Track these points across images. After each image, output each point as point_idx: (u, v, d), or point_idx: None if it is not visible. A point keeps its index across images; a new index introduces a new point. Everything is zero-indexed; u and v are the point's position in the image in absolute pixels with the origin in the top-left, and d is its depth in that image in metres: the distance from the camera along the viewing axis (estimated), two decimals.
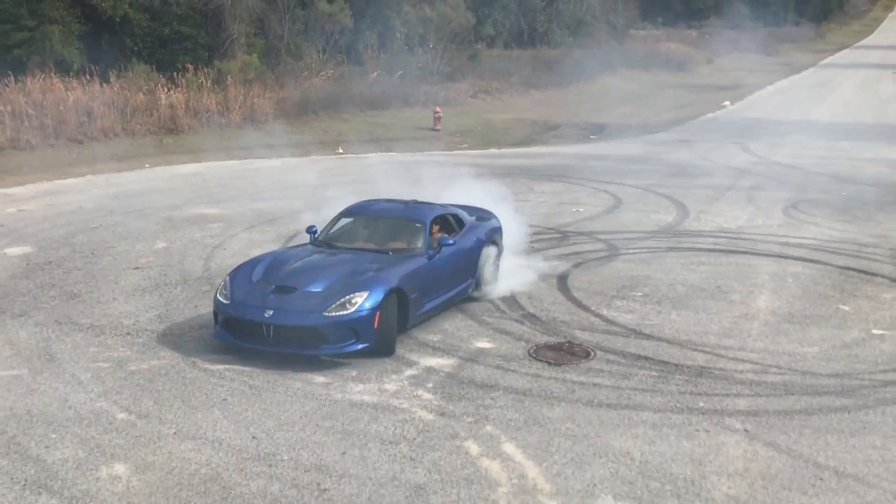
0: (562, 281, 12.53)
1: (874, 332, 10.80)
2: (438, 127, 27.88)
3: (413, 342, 10.14)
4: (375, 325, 9.41)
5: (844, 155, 24.66)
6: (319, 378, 9.12)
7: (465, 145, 25.71)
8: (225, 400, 8.58)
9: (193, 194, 18.20)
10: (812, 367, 9.62)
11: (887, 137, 28.48)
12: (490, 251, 11.83)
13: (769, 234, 15.56)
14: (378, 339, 9.51)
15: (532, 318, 11.00)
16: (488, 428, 8.10)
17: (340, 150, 24.43)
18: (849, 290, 12.45)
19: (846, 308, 11.66)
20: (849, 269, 13.45)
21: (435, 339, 10.28)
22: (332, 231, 11.60)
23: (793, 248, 14.52)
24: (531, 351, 9.95)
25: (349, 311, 9.38)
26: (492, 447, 7.75)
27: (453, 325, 10.69)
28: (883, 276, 13.09)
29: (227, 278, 10.17)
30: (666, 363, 9.68)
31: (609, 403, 8.66)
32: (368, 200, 12.43)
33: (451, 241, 10.86)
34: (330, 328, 9.37)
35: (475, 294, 11.54)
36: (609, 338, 10.39)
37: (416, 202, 12.01)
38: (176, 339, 10.17)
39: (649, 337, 10.45)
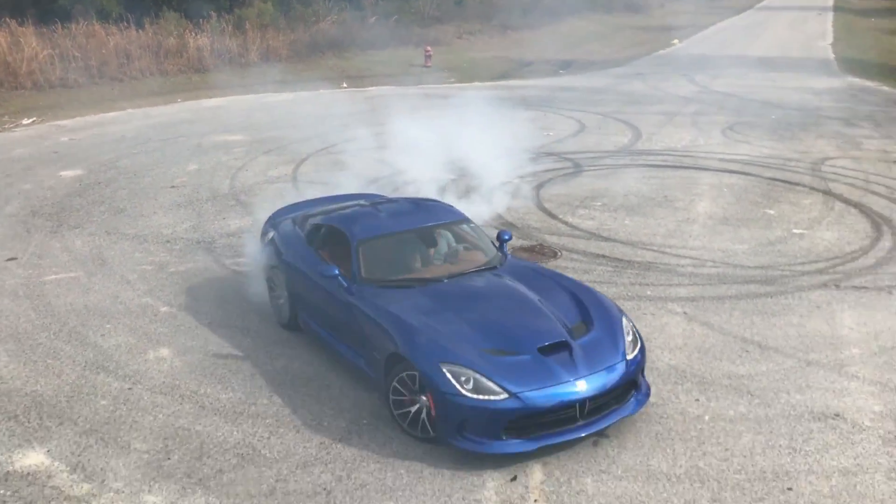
0: (534, 193, 12.53)
1: (794, 231, 10.87)
2: (429, 64, 27.41)
3: None
4: None
5: (774, 84, 24.37)
6: None
7: (453, 80, 25.30)
8: (249, 295, 8.66)
9: (219, 124, 17.98)
10: (742, 261, 9.73)
11: (811, 69, 28.13)
12: None
13: (709, 151, 15.49)
14: None
15: (509, 225, 11.03)
16: None
17: (345, 85, 24.06)
18: (774, 197, 12.48)
19: (772, 212, 11.71)
20: (775, 179, 13.45)
21: None
22: None
23: (729, 163, 14.47)
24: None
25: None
26: None
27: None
28: (803, 185, 13.10)
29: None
30: (620, 260, 9.77)
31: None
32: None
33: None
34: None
35: None
36: (573, 240, 10.45)
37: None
38: (208, 245, 10.21)
39: (606, 239, 10.51)
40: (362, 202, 8.39)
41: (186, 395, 6.69)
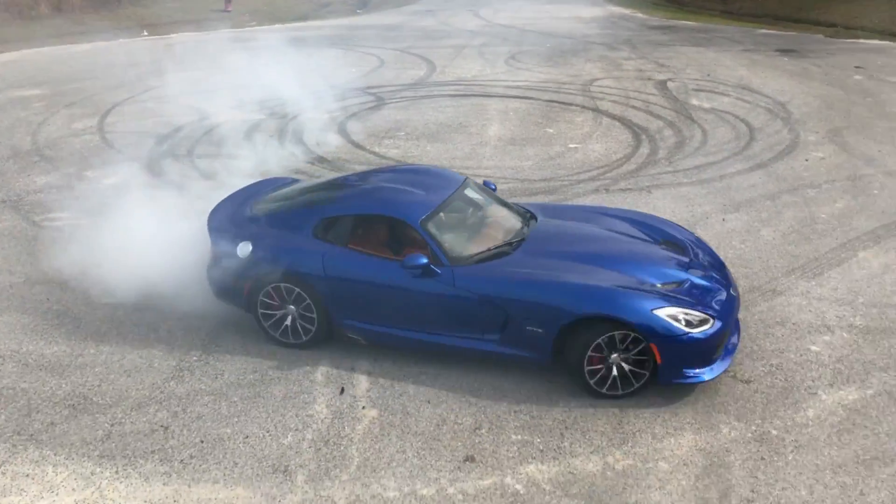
0: (342, 127, 12.34)
1: (570, 146, 11.41)
2: (230, 8, 26.01)
3: (224, 187, 9.75)
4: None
5: (548, 16, 25.17)
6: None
7: (254, 23, 24.20)
8: (65, 249, 8.04)
9: (13, 80, 16.25)
10: (528, 175, 10.11)
11: (579, 1, 29.26)
12: None
13: (495, 80, 15.84)
14: None
15: (321, 159, 10.83)
16: None
17: (145, 33, 22.38)
18: (552, 117, 13.00)
19: (551, 131, 12.20)
20: (552, 101, 13.98)
21: (240, 183, 9.92)
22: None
23: (512, 90, 14.89)
24: None
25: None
26: None
27: (256, 170, 10.33)
28: (576, 105, 13.72)
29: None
30: None
31: None
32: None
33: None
34: None
35: None
36: None
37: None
38: (14, 203, 9.32)
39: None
40: (339, 181, 6.87)
41: (7, 355, 6.16)
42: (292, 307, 6.07)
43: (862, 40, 19.88)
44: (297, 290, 5.99)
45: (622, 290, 5.42)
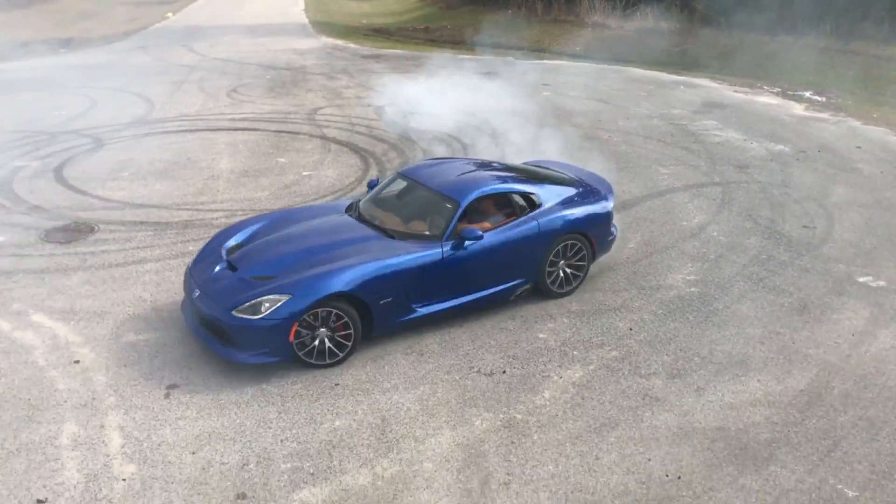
0: (58, 173, 11.19)
1: (304, 173, 11.40)
2: None
3: None
4: (291, 339, 5.98)
5: (265, 48, 24.86)
6: None
7: None
8: None
9: None
10: (266, 206, 9.91)
11: (292, 33, 29.24)
12: (569, 245, 7.30)
13: (220, 113, 15.35)
14: (294, 355, 6.04)
15: (37, 208, 9.75)
16: (15, 306, 7.19)
17: None
18: (282, 146, 12.89)
19: (283, 160, 12.10)
20: (280, 131, 13.87)
21: None
22: (378, 195, 7.55)
23: (239, 122, 14.53)
24: (42, 235, 8.89)
25: (257, 317, 5.88)
26: (22, 320, 6.93)
27: None
28: (304, 134, 13.73)
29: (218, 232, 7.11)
30: (158, 223, 9.31)
31: (118, 263, 8.16)
32: (429, 161, 8.26)
33: (478, 233, 6.64)
34: (235, 331, 5.93)
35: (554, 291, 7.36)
36: (108, 213, 9.65)
37: (482, 166, 7.82)
38: None
39: (142, 206, 9.90)
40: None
41: None
42: None
43: (546, 60, 22.17)
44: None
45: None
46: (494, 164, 8.08)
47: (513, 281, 7.02)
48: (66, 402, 5.73)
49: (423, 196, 7.16)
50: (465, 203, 6.81)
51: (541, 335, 6.76)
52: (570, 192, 7.55)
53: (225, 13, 36.98)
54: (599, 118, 14.95)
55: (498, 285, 6.94)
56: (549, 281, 7.25)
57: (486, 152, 12.18)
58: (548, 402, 5.81)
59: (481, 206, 7.11)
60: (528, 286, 7.16)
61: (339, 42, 26.96)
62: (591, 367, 6.29)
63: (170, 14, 36.31)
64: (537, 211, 7.15)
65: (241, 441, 5.34)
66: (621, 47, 22.92)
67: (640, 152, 12.62)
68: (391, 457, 5.19)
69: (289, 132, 13.80)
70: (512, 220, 7.02)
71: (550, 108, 15.41)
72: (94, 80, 18.96)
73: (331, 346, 6.13)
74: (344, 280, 6.06)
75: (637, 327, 6.93)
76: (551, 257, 7.18)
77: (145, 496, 4.82)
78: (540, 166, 8.46)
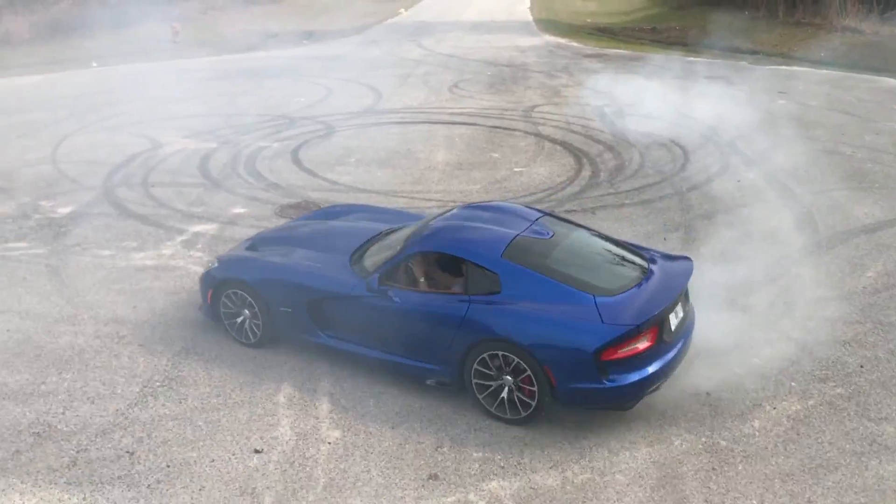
0: (294, 155, 12.25)
1: (516, 169, 11.55)
2: (178, 40, 25.60)
3: (179, 214, 9.61)
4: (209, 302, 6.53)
5: (488, 45, 25.45)
6: (105, 252, 8.47)
7: (203, 54, 23.83)
8: (25, 278, 7.79)
9: None
10: (476, 198, 10.11)
11: (515, 31, 29.68)
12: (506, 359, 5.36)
13: (440, 107, 15.95)
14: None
15: (275, 186, 10.73)
16: None
17: (94, 64, 21.85)
18: (497, 142, 13.14)
19: (496, 155, 12.33)
20: (496, 127, 14.14)
21: (198, 210, 9.79)
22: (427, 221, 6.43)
23: (457, 116, 15.00)
24: (277, 210, 9.77)
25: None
26: None
27: (212, 198, 10.20)
28: (519, 131, 13.90)
29: None
30: None
31: None
32: (498, 204, 6.79)
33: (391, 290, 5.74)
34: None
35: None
36: (334, 194, 10.38)
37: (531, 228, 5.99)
38: None
39: (364, 190, 10.55)
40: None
41: None
42: None
43: (783, 67, 20.68)
44: None
45: None
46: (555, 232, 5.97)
47: (423, 362, 5.66)
48: (286, 364, 6.27)
49: (403, 235, 6.25)
50: (408, 252, 5.80)
51: (755, 360, 6.33)
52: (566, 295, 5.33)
53: (452, 10, 38.30)
54: (842, 132, 13.68)
55: (405, 358, 5.73)
56: (479, 393, 5.49)
57: (709, 161, 11.63)
58: (757, 433, 5.44)
59: (427, 263, 5.85)
60: (446, 380, 5.62)
61: (562, 40, 26.93)
62: (811, 402, 5.80)
63: (402, 10, 38.29)
64: (484, 296, 5.44)
65: (437, 424, 5.54)
66: (875, 55, 20.78)
67: (890, 171, 11.39)
68: (582, 463, 5.14)
69: (504, 128, 14.04)
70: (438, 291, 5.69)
71: (786, 118, 14.34)
72: (330, 70, 20.48)
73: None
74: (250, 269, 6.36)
75: (870, 365, 6.28)
76: (479, 365, 5.43)
77: (346, 461, 5.15)
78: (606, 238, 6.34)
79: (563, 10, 37.67)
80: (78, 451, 5.18)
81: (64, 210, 9.69)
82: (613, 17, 34.57)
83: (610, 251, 6.04)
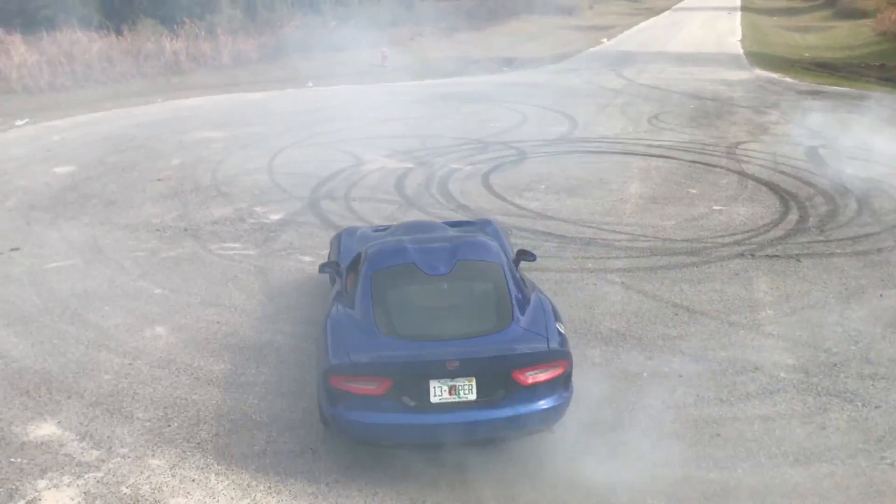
0: (485, 179, 12.53)
1: (714, 207, 11.06)
2: (386, 64, 27.16)
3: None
4: None
5: (692, 77, 24.66)
6: (306, 258, 9.12)
7: (408, 78, 25.11)
8: (236, 276, 8.57)
9: (198, 122, 17.59)
10: (670, 235, 9.87)
11: (723, 63, 28.52)
12: None
13: (638, 138, 15.66)
14: None
15: (463, 207, 11.03)
16: None
17: (310, 84, 23.72)
18: (696, 177, 12.66)
19: (694, 191, 11.89)
20: (696, 162, 13.65)
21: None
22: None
23: (655, 149, 14.65)
24: None
25: None
26: None
27: (404, 214, 10.64)
28: (720, 167, 13.32)
29: None
30: (564, 236, 9.85)
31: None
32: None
33: None
34: None
35: None
36: (521, 220, 10.49)
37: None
38: (194, 232, 10.04)
39: (551, 218, 10.57)
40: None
41: (182, 368, 6.61)
42: None
43: None
44: None
45: None
46: None
47: None
48: None
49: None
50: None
51: None
52: None
53: (657, 40, 37.53)
54: None
55: None
56: None
57: None
58: None
59: None
60: None
61: (774, 75, 25.52)
62: None
63: (605, 39, 38.09)
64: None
65: None
66: None
67: None
68: None
69: (704, 164, 13.51)
70: None
71: None
72: (527, 97, 20.78)
73: None
74: None
75: None
76: None
77: None
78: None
79: (778, 43, 35.72)
80: (268, 442, 5.59)
81: (275, 217, 10.57)
82: (835, 51, 32.28)
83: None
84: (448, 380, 4.98)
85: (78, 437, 5.62)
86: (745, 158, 13.89)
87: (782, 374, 6.51)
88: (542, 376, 5.06)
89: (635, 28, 45.27)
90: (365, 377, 5.00)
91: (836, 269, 8.72)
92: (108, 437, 5.63)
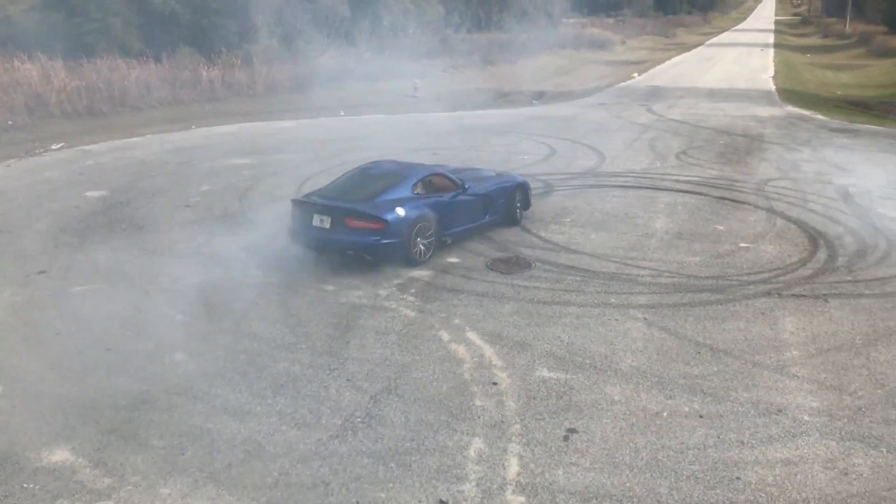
0: None
1: (741, 245, 10.91)
2: (417, 95, 27.43)
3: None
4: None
5: (723, 113, 24.52)
6: (329, 287, 9.13)
7: (439, 109, 25.31)
8: (257, 303, 8.59)
9: (229, 149, 17.86)
10: (695, 272, 9.74)
11: (754, 100, 28.36)
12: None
13: (665, 173, 15.55)
14: None
15: (488, 239, 10.99)
16: (456, 321, 8.18)
17: (342, 113, 24.00)
18: (723, 214, 12.52)
19: (721, 227, 11.74)
20: (723, 198, 13.50)
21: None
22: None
23: (682, 184, 14.53)
24: (488, 263, 10.00)
25: None
26: (458, 335, 7.84)
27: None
28: (748, 204, 13.16)
29: None
30: (587, 270, 9.76)
31: (545, 301, 8.75)
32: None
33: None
34: None
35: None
36: (545, 253, 10.44)
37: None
38: (220, 259, 10.10)
39: (575, 251, 10.50)
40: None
41: (199, 395, 6.61)
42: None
43: None
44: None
45: None
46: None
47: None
48: (479, 418, 6.31)
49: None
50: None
51: None
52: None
53: (688, 76, 37.46)
54: None
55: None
56: None
57: None
58: None
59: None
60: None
61: (806, 112, 25.29)
62: None
63: (636, 74, 38.09)
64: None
65: None
66: None
67: None
68: None
69: (732, 200, 13.35)
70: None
71: None
72: (556, 130, 20.80)
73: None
74: None
75: None
76: None
77: None
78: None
79: (810, 80, 35.45)
80: (280, 474, 5.54)
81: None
82: (868, 89, 31.95)
83: None
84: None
85: (91, 465, 5.62)
86: (774, 195, 13.70)
87: (806, 418, 6.34)
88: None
89: (667, 63, 45.26)
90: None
91: (864, 311, 8.51)
92: (122, 464, 5.62)
